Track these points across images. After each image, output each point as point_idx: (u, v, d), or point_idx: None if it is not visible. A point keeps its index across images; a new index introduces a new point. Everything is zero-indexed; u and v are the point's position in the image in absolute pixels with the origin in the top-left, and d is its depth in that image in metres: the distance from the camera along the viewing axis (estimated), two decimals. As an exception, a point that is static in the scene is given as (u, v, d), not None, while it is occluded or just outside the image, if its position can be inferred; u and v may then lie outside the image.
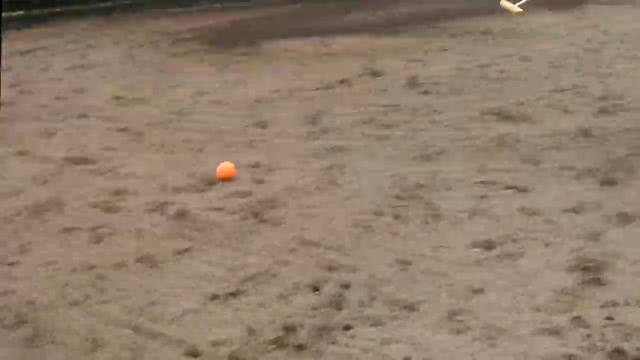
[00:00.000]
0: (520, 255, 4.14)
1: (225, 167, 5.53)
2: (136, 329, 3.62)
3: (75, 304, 3.87)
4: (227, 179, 5.44)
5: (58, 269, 4.26)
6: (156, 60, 9.64)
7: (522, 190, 5.01)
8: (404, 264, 4.14)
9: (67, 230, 4.77)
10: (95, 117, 7.34)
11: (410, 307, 3.69)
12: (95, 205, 5.15)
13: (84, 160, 6.09)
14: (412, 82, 7.92)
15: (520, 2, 8.95)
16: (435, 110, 6.91)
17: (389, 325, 3.55)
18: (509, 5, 9.01)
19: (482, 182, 5.16)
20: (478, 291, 3.80)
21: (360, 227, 4.62)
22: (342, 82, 8.16)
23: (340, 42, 10.19)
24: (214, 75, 8.83)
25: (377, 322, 3.58)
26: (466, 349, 3.34)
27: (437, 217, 4.69)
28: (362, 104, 7.28)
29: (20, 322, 3.71)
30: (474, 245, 4.30)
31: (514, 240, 4.32)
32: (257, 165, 5.77)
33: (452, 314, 3.61)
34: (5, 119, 7.21)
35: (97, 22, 9.60)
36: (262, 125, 6.83)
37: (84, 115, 7.39)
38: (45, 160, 6.11)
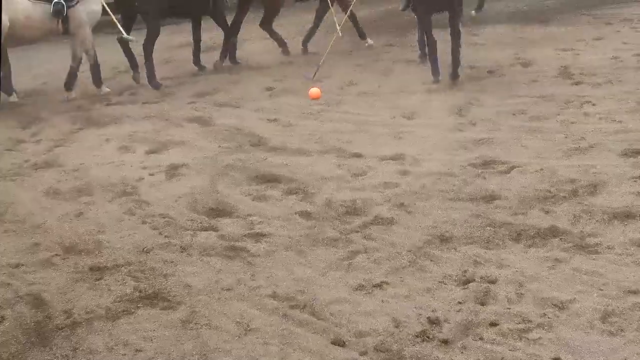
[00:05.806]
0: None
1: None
2: (285, 316, 3.73)
3: (227, 289, 4.03)
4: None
5: (214, 255, 4.43)
6: (304, 53, 9.84)
7: (683, 187, 4.76)
8: (554, 261, 4.04)
9: (218, 213, 4.96)
10: (249, 107, 7.58)
11: (560, 306, 3.60)
12: (247, 194, 5.33)
13: (237, 149, 6.31)
14: (564, 72, 7.67)
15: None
16: (588, 102, 6.66)
17: (537, 324, 3.49)
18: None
19: (639, 178, 4.95)
20: (633, 292, 3.66)
21: (504, 222, 4.54)
22: (490, 72, 8.03)
23: (489, 32, 10.00)
24: (361, 66, 8.89)
25: (524, 320, 3.52)
26: (620, 352, 3.23)
27: (590, 213, 4.53)
28: (511, 95, 7.13)
29: (177, 304, 3.91)
30: (632, 243, 4.13)
31: (674, 240, 4.13)
32: (403, 156, 5.78)
33: (605, 315, 3.50)
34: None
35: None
36: (409, 116, 6.83)
37: (237, 106, 7.66)
38: (202, 149, 6.38)
